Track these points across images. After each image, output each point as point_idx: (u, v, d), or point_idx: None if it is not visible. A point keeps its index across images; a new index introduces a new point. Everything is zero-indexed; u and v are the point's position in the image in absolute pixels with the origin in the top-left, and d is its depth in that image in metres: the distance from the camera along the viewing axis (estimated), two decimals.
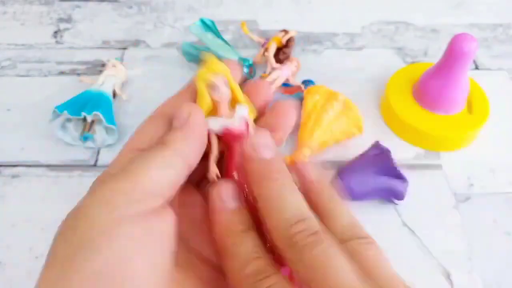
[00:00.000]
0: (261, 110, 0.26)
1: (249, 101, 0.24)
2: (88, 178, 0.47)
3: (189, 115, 0.22)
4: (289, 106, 0.26)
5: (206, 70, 0.23)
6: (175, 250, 0.21)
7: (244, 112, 0.24)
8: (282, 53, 0.58)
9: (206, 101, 0.23)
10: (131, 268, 0.18)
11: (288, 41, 0.59)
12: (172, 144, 0.21)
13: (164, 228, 0.20)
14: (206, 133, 0.23)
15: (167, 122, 0.23)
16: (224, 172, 0.24)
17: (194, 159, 0.22)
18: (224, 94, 0.23)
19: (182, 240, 0.23)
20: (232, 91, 0.24)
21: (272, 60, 0.56)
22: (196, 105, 0.23)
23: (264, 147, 0.21)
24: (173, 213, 0.21)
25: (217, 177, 0.23)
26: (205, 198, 0.25)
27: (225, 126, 0.23)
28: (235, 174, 0.23)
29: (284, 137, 0.25)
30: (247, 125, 0.24)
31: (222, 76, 0.23)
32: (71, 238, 0.18)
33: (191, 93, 0.24)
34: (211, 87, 0.23)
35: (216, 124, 0.23)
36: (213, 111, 0.24)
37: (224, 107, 0.23)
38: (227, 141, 0.24)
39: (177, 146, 0.21)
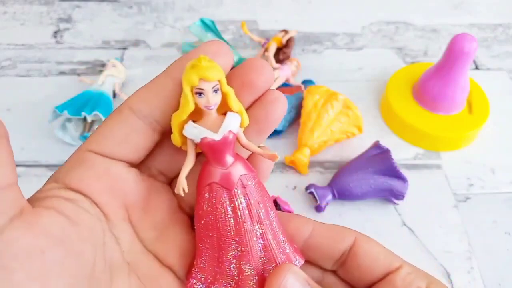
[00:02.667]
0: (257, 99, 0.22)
1: (243, 108, 0.21)
2: None
3: None
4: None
5: (195, 73, 0.19)
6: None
7: (233, 125, 0.20)
8: (282, 53, 0.58)
9: (189, 104, 0.20)
10: None
11: (288, 41, 0.59)
12: None
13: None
14: None
15: (135, 118, 0.21)
16: (196, 185, 0.21)
17: None
18: (211, 106, 0.20)
19: (146, 247, 0.21)
20: (224, 97, 0.20)
21: (272, 60, 0.56)
22: None
23: None
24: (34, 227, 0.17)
25: (184, 191, 0.20)
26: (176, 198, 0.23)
27: (204, 138, 0.20)
28: (206, 194, 0.20)
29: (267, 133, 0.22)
30: (234, 138, 0.20)
31: (213, 83, 0.19)
32: None
33: (162, 89, 0.21)
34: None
35: (195, 132, 0.20)
36: (197, 114, 0.20)
37: (209, 116, 0.20)
38: (205, 153, 0.21)
39: None
